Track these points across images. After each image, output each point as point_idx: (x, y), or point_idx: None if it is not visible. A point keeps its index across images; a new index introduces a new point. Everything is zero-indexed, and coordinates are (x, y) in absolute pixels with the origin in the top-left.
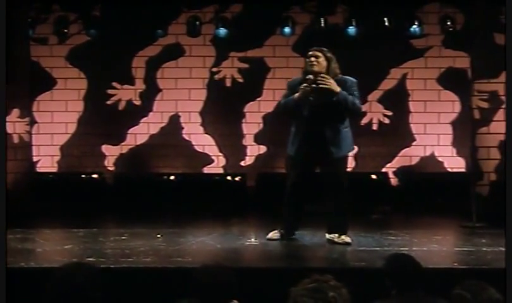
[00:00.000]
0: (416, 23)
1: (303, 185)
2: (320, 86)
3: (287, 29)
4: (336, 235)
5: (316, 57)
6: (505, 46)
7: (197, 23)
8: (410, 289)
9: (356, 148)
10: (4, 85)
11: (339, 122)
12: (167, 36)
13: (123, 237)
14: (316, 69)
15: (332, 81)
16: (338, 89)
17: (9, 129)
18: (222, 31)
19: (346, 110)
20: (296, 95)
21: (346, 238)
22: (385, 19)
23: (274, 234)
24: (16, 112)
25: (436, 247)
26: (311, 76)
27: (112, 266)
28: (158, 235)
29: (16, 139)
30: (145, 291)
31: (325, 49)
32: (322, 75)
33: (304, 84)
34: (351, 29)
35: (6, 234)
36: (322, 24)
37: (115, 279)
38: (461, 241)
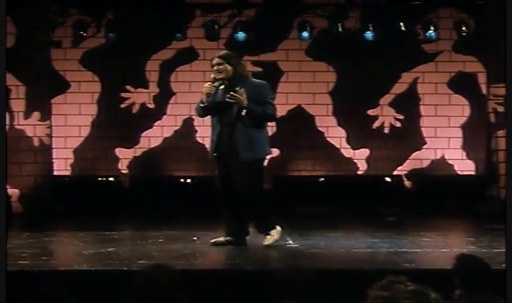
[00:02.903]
0: (431, 28)
1: (224, 188)
2: (226, 100)
3: (305, 34)
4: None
5: (219, 64)
6: (505, 46)
7: (216, 26)
8: (478, 289)
9: (368, 150)
10: (4, 85)
11: (250, 126)
12: (184, 39)
13: (160, 240)
14: (222, 76)
15: (242, 96)
16: (245, 103)
17: (29, 132)
18: (241, 35)
19: (256, 120)
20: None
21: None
22: (401, 23)
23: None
24: (36, 115)
25: (474, 248)
26: (212, 75)
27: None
28: (195, 238)
29: (36, 142)
30: (232, 293)
31: (228, 55)
32: (232, 93)
33: (206, 86)
34: (364, 34)
35: (6, 235)
36: (340, 29)
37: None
38: (496, 242)
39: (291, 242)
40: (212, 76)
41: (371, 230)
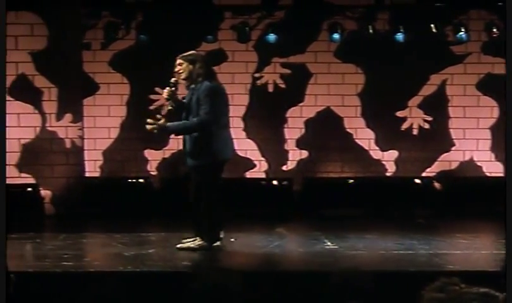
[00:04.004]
0: (462, 30)
1: (192, 192)
2: (148, 128)
3: (336, 36)
4: (192, 239)
5: (180, 64)
6: (505, 46)
7: (247, 28)
8: None
9: (397, 152)
10: (4, 85)
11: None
12: (215, 42)
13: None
14: (182, 76)
15: (160, 123)
16: (164, 126)
17: (61, 133)
18: (272, 36)
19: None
20: None
21: (198, 241)
22: (432, 25)
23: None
24: (68, 116)
25: None
26: (172, 80)
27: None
28: (232, 239)
29: (68, 144)
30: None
31: (190, 55)
32: (150, 121)
33: (165, 92)
34: (393, 36)
35: (6, 237)
36: (371, 31)
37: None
38: None
39: (329, 243)
40: (172, 80)
41: (405, 231)
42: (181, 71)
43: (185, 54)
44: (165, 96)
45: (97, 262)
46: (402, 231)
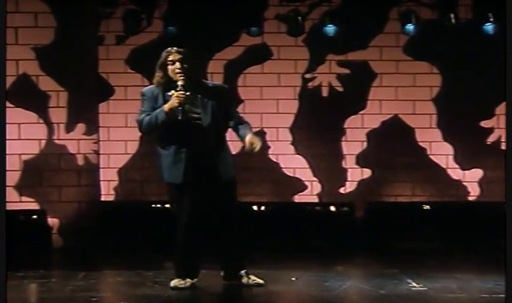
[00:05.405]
0: None
1: (201, 218)
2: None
3: (407, 27)
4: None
5: (183, 62)
6: (505, 45)
7: (299, 18)
8: None
9: (482, 171)
10: (4, 85)
11: (224, 138)
12: (260, 35)
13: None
14: (183, 77)
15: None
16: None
17: (72, 148)
18: (327, 28)
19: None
20: (166, 106)
21: (257, 279)
22: None
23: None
24: (81, 127)
25: None
26: (181, 83)
27: None
28: (293, 278)
29: (80, 161)
30: None
31: (185, 50)
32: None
33: (179, 92)
34: (480, 26)
35: (5, 241)
36: (453, 21)
37: None
38: None
39: (414, 284)
40: (180, 83)
41: (500, 269)
42: (183, 71)
43: (182, 50)
44: (180, 102)
45: None
46: (495, 269)
